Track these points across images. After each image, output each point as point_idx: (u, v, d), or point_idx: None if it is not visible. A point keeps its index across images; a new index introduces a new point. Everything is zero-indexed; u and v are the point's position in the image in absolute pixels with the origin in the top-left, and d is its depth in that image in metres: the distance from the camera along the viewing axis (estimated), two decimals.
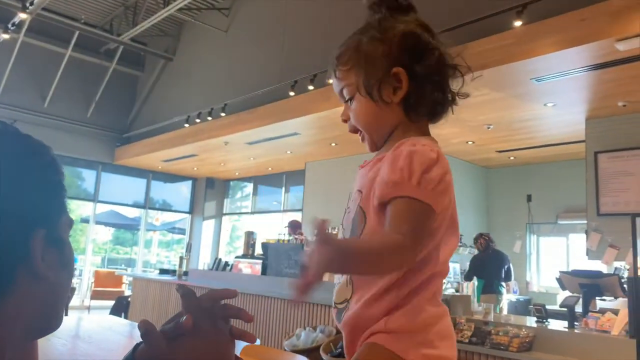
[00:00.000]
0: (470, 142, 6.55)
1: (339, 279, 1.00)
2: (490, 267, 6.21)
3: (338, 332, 3.80)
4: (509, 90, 4.65)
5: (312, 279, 0.74)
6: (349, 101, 1.03)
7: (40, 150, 0.56)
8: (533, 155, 7.29)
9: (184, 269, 6.60)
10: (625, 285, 3.17)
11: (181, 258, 6.90)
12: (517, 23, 3.89)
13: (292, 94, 6.00)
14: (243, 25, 8.23)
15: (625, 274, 4.76)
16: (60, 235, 0.56)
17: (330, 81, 1.08)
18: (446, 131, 5.68)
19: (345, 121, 1.06)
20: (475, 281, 5.98)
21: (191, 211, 11.31)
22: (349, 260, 0.81)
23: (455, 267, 6.98)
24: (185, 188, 11.38)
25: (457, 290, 5.60)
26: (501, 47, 4.14)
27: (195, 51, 9.34)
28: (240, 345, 2.49)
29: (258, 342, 2.71)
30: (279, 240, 5.36)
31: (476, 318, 3.43)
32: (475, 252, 6.49)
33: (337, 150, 7.62)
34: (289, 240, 5.24)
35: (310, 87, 5.70)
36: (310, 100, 5.86)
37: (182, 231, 11.63)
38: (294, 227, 6.43)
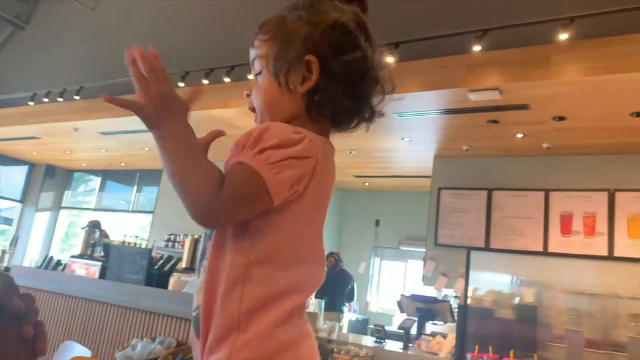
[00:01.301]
0: None
1: (199, 279, 0.84)
2: (335, 286, 6.44)
3: (178, 344, 3.60)
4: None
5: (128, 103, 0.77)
6: (257, 76, 0.92)
7: None
8: (386, 183, 7.81)
9: (5, 264, 5.79)
10: (454, 312, 3.49)
11: (3, 251, 6.06)
12: (389, 59, 4.13)
13: None
14: (113, 6, 7.63)
15: (451, 300, 5.27)
16: None
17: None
18: None
19: (248, 96, 0.95)
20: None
21: (23, 200, 10.03)
22: (169, 132, 0.78)
23: None
24: (18, 173, 10.07)
25: None
26: None
27: (53, 24, 8.40)
28: (67, 356, 2.22)
29: (89, 353, 2.44)
30: (124, 242, 4.96)
31: (321, 336, 3.50)
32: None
33: None
34: (135, 244, 4.88)
35: (181, 84, 5.44)
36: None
37: (8, 221, 10.22)
38: (96, 227, 6.15)
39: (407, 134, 5.31)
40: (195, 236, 6.27)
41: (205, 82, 5.20)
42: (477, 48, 3.81)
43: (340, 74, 0.86)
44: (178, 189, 0.77)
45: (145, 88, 0.77)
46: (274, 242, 0.79)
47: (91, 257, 5.13)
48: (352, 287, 6.62)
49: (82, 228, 5.86)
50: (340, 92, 0.87)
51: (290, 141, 0.78)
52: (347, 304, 6.53)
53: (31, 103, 7.06)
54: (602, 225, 4.89)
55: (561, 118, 4.26)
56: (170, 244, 7.40)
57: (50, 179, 10.04)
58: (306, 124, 0.88)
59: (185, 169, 0.76)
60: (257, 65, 0.91)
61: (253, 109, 0.94)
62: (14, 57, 8.67)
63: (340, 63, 0.86)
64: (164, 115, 0.78)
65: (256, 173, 0.75)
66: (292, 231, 0.81)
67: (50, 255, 6.62)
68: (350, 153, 6.13)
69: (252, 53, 0.92)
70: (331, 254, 6.65)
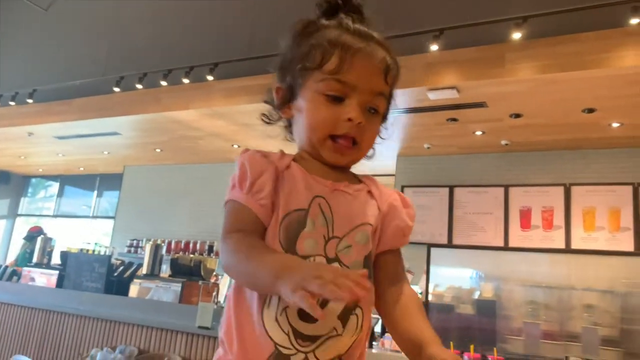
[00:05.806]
0: None
1: (336, 329, 0.82)
2: None
3: (140, 352, 3.52)
4: None
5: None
6: (373, 110, 0.89)
7: None
8: None
9: None
10: None
11: None
12: None
13: (117, 90, 5.52)
14: (68, 7, 7.39)
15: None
16: None
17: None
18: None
19: (359, 124, 0.86)
20: None
21: None
22: None
23: None
24: None
25: None
26: None
27: (4, 25, 8.08)
28: None
29: None
30: (82, 249, 4.81)
31: None
32: None
33: (161, 156, 7.22)
34: (94, 251, 4.74)
35: (139, 86, 5.32)
36: (137, 99, 5.46)
37: None
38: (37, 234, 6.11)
39: None
40: (158, 241, 6.15)
41: (164, 83, 5.10)
42: (434, 47, 3.85)
43: None
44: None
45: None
46: None
47: (47, 266, 4.96)
48: None
49: (24, 239, 5.70)
50: None
51: None
52: None
53: None
54: (559, 219, 5.04)
55: (517, 115, 4.36)
56: (132, 249, 7.22)
57: (4, 185, 9.68)
58: None
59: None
60: (382, 104, 0.89)
61: (351, 137, 0.88)
62: None
63: None
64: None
65: None
66: None
67: (5, 264, 6.36)
68: None
69: (385, 88, 0.88)
70: None
